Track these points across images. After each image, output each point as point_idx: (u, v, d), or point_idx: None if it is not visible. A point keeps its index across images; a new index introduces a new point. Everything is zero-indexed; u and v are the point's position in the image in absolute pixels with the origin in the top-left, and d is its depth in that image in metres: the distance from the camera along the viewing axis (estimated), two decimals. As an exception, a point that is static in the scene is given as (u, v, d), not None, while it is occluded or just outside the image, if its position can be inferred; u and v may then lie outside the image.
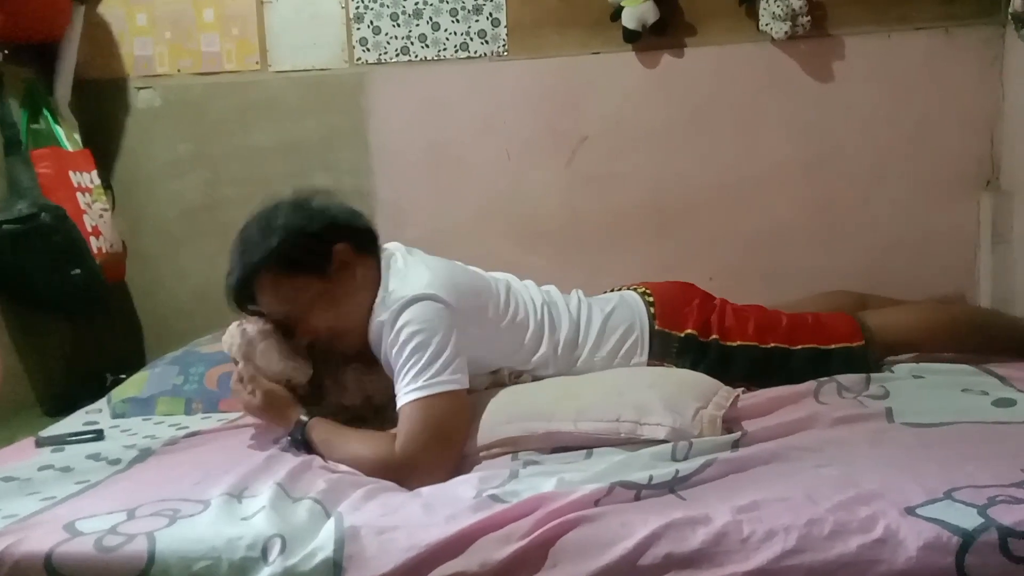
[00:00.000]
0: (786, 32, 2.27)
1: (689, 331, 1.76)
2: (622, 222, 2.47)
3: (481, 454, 1.51)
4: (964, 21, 2.28)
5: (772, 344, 1.76)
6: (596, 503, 1.21)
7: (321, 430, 1.56)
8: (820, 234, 2.41)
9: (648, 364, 1.76)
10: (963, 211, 2.34)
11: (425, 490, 1.36)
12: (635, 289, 1.89)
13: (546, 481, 1.30)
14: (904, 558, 1.07)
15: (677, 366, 1.74)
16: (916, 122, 2.34)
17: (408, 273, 1.63)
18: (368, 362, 1.68)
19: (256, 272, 1.61)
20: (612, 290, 1.95)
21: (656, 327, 1.77)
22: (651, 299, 1.83)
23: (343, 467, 1.48)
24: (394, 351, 1.54)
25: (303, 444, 1.55)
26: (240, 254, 1.63)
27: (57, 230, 2.18)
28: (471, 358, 1.58)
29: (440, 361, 1.50)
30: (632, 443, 1.45)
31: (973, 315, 2.05)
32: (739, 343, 1.76)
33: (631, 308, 1.82)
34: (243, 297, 1.65)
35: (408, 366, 1.51)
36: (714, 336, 1.76)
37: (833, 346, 1.76)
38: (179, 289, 2.61)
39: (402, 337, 1.53)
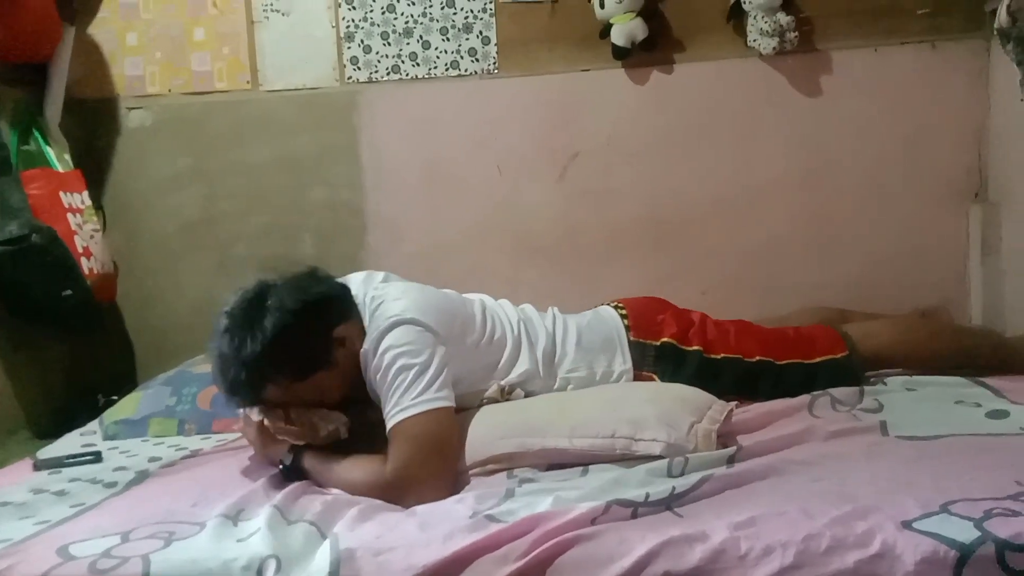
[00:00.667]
0: (774, 48, 2.28)
1: (666, 339, 1.79)
2: (615, 237, 2.48)
3: (476, 470, 1.51)
4: (950, 35, 2.30)
5: (757, 358, 1.78)
6: (593, 522, 1.20)
7: (312, 459, 1.55)
8: (811, 247, 2.42)
9: (633, 372, 1.78)
10: (952, 223, 2.35)
11: (420, 510, 1.35)
12: (609, 304, 1.94)
13: (542, 500, 1.29)
14: (902, 573, 1.07)
15: (657, 374, 1.76)
16: (904, 135, 2.36)
17: (383, 302, 1.64)
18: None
19: (262, 389, 1.56)
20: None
21: (632, 338, 1.81)
22: (624, 312, 1.87)
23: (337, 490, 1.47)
24: (378, 377, 1.55)
25: (295, 474, 1.54)
26: (232, 369, 1.53)
27: (48, 251, 2.17)
28: (453, 378, 1.58)
29: (425, 380, 1.51)
30: (627, 459, 1.45)
31: (954, 331, 2.06)
32: (723, 355, 1.78)
33: (605, 321, 1.86)
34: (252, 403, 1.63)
35: (393, 389, 1.51)
36: (696, 347, 1.78)
37: (818, 359, 1.77)
38: (176, 305, 2.61)
39: (385, 361, 1.53)
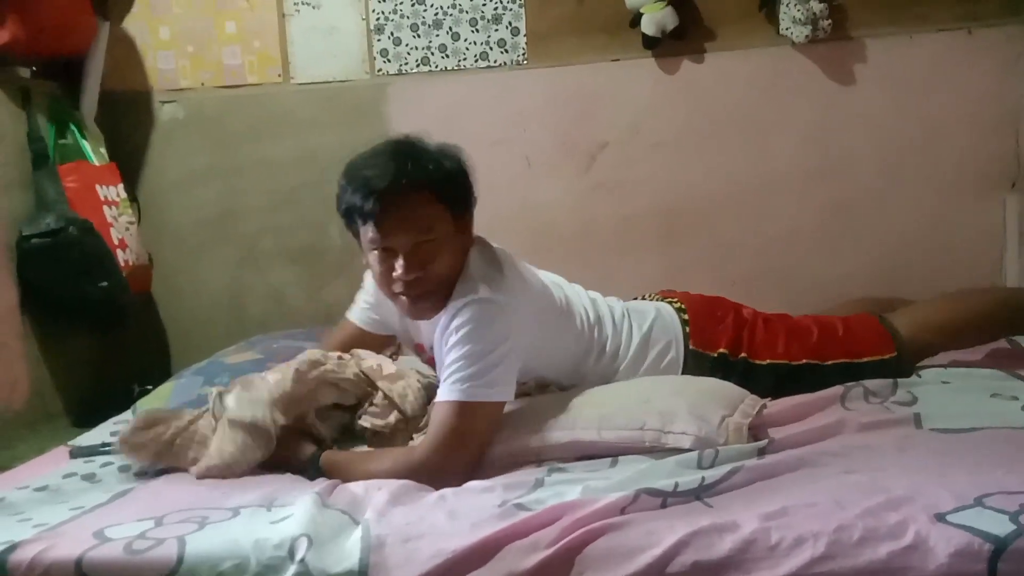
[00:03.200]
0: (807, 36, 2.26)
1: (722, 350, 1.74)
2: (640, 228, 2.48)
3: (505, 460, 1.51)
4: (986, 21, 2.27)
5: (804, 361, 1.74)
6: (622, 511, 1.20)
7: (335, 460, 1.54)
8: (843, 238, 2.39)
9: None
10: (988, 212, 2.32)
11: (451, 498, 1.35)
12: (671, 302, 1.85)
13: (571, 489, 1.29)
14: (935, 565, 1.06)
15: None
16: (939, 123, 2.32)
17: (485, 272, 1.59)
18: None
19: (420, 184, 1.54)
20: (644, 297, 1.94)
21: (691, 347, 1.75)
22: (686, 316, 1.79)
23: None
24: (446, 348, 1.53)
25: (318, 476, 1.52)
26: (409, 160, 1.55)
27: (84, 243, 2.20)
28: (521, 367, 1.58)
29: (486, 369, 1.49)
30: (657, 451, 1.44)
31: (1000, 296, 2.01)
32: (768, 361, 1.74)
33: (667, 324, 1.78)
34: (392, 193, 1.52)
35: (456, 366, 1.50)
36: (743, 355, 1.74)
37: (865, 360, 1.73)
38: (203, 298, 2.65)
39: (458, 336, 1.51)
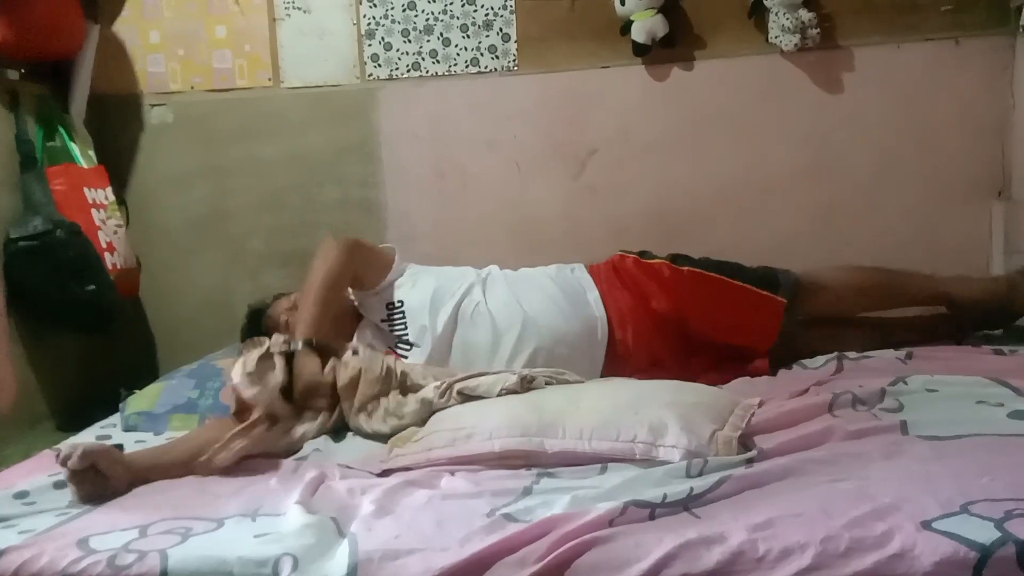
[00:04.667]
0: (796, 44, 2.27)
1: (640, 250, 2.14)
2: (631, 231, 2.48)
3: (493, 463, 1.51)
4: (973, 32, 2.28)
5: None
6: (610, 523, 1.20)
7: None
8: (828, 245, 2.41)
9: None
10: (974, 221, 2.34)
11: (438, 503, 1.34)
12: None
13: (560, 498, 1.29)
14: (921, 574, 1.06)
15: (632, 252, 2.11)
16: (926, 132, 2.34)
17: None
18: None
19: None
20: None
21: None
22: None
23: (355, 478, 1.47)
24: None
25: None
26: None
27: (72, 246, 2.20)
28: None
29: None
30: (647, 462, 1.45)
31: (886, 271, 2.12)
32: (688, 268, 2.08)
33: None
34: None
35: None
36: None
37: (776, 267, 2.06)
38: (192, 300, 2.64)
39: None
